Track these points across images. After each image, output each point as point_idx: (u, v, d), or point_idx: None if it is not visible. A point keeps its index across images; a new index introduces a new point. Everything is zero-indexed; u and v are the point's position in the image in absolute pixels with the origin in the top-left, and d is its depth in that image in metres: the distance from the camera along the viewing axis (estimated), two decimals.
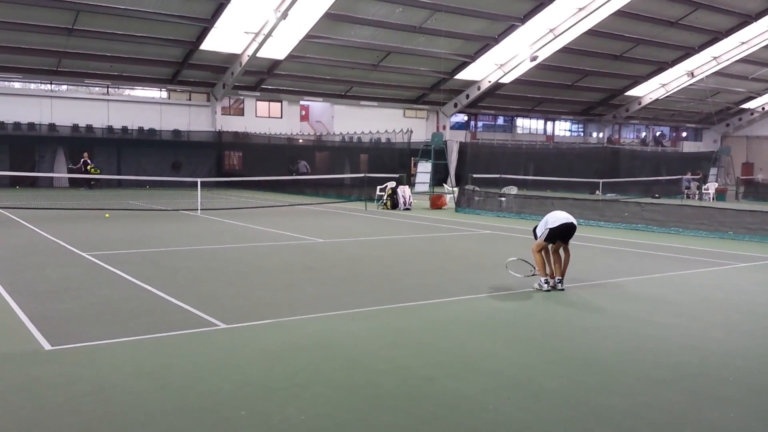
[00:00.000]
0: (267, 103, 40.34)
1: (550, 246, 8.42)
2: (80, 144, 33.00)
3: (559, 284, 8.36)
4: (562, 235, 8.37)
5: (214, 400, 4.49)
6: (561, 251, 8.48)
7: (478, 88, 42.24)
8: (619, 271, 9.97)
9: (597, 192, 32.27)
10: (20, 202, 20.92)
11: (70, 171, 31.22)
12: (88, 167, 30.08)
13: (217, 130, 37.68)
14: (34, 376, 4.90)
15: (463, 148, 40.05)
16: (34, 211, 18.61)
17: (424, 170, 29.78)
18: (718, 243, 13.74)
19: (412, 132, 31.69)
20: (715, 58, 44.14)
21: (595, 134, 55.27)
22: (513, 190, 24.11)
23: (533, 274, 8.54)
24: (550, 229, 8.32)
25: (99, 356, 5.41)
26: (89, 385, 4.73)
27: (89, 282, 8.49)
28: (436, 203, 22.70)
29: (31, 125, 33.08)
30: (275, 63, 35.93)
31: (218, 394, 4.60)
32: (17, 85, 34.06)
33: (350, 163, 35.58)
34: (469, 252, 12.20)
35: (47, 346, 5.62)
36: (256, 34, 31.97)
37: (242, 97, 39.42)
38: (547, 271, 8.38)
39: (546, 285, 8.28)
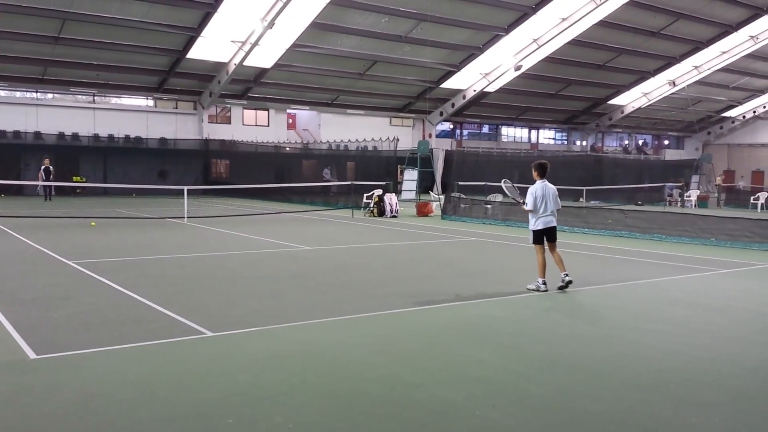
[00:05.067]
0: (254, 111, 40.30)
1: (546, 245, 8.82)
2: (66, 152, 32.73)
3: (567, 277, 8.66)
4: (546, 234, 8.83)
5: (201, 409, 4.49)
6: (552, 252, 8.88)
7: (464, 97, 42.49)
8: (602, 277, 10.06)
9: (581, 199, 32.52)
10: (5, 211, 20.70)
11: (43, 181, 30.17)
12: (50, 176, 28.48)
13: (204, 138, 37.57)
14: (19, 386, 4.87)
15: (448, 156, 40.20)
16: (20, 219, 18.44)
17: (410, 178, 29.85)
18: (700, 249, 13.91)
19: (398, 140, 31.79)
20: (696, 67, 44.68)
21: (578, 142, 55.73)
22: (498, 197, 24.19)
23: (520, 202, 9.13)
24: (534, 231, 8.85)
25: (85, 365, 5.39)
26: (75, 395, 4.71)
27: (75, 290, 8.44)
28: (423, 210, 22.79)
29: (17, 133, 32.81)
30: (262, 71, 35.93)
31: (205, 402, 4.60)
32: (2, 93, 33.78)
33: (337, 170, 35.62)
34: (455, 259, 12.25)
35: (32, 355, 5.59)
36: (243, 43, 31.96)
37: (229, 106, 39.35)
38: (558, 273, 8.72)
39: (543, 286, 8.60)
